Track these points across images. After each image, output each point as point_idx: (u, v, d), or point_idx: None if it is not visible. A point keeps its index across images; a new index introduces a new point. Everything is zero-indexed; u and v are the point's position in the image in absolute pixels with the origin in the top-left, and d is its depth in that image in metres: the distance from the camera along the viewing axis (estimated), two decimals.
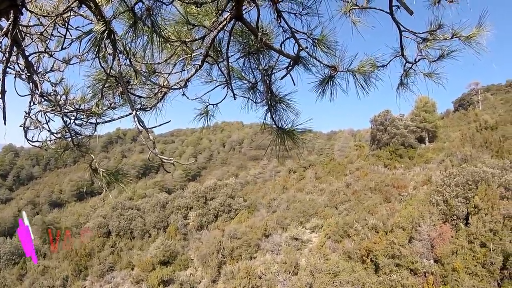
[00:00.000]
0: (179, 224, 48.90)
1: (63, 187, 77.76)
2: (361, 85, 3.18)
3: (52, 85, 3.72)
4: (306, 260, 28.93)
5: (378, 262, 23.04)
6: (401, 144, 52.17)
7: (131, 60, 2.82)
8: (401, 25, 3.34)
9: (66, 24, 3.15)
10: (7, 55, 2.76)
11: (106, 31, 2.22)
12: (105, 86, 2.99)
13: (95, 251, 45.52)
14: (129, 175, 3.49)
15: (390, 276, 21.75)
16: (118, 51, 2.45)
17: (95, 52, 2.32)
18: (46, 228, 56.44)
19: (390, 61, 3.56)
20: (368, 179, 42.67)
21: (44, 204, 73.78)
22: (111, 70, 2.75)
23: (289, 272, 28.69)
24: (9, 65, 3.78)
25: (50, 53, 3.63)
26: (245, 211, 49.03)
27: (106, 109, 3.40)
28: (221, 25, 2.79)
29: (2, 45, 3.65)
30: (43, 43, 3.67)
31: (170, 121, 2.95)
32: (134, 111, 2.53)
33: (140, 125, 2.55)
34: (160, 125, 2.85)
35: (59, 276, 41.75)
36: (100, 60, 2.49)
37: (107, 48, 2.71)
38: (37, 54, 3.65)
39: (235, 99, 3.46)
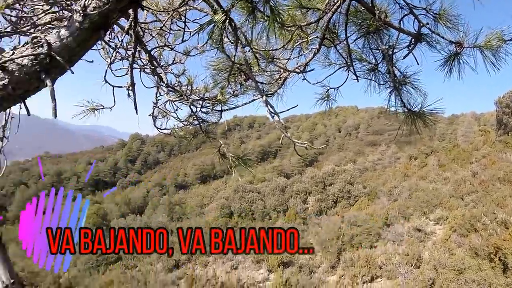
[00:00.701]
0: (298, 208, 49.38)
1: (187, 171, 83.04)
2: (491, 61, 2.86)
3: (175, 77, 3.98)
4: (430, 254, 27.44)
5: (507, 261, 20.90)
6: None
7: (251, 47, 2.89)
8: None
9: (184, 17, 3.32)
10: (132, 50, 3.01)
11: (227, 20, 2.30)
12: (230, 74, 3.10)
13: None
14: (254, 160, 3.61)
15: None
16: (239, 39, 2.51)
17: (217, 42, 2.41)
18: (172, 206, 61.36)
19: None
20: (496, 168, 38.40)
21: (170, 186, 79.84)
22: (233, 59, 2.84)
23: (411, 265, 27.49)
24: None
25: (170, 46, 3.87)
26: (365, 198, 47.94)
27: (230, 96, 3.55)
28: (335, 6, 2.73)
29: (123, 43, 4.00)
30: (162, 37, 3.94)
31: (297, 105, 2.97)
32: (264, 96, 2.60)
33: (271, 110, 2.61)
34: (287, 110, 2.89)
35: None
36: (223, 49, 2.59)
37: (228, 37, 2.80)
38: (158, 49, 3.92)
39: (358, 81, 3.38)
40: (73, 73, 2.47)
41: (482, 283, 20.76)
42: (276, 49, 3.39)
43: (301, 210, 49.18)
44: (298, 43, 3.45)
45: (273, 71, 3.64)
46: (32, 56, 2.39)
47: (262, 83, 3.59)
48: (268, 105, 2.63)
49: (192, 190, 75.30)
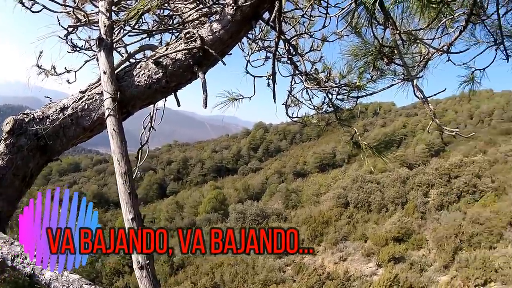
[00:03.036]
0: (418, 201, 47.21)
1: (307, 159, 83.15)
2: None
3: (311, 64, 3.96)
4: None
5: None
6: None
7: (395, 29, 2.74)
8: None
9: (326, 3, 3.27)
10: (275, 40, 3.03)
11: (378, 1, 2.18)
12: (376, 58, 2.99)
13: (332, 219, 47.86)
14: (390, 150, 3.49)
15: None
16: (389, 20, 2.38)
17: (367, 23, 2.30)
18: (288, 194, 62.22)
19: None
20: None
21: (289, 173, 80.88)
22: (381, 41, 2.73)
23: None
24: (271, 50, 4.19)
25: (310, 33, 3.86)
26: (492, 194, 44.16)
27: (367, 82, 3.44)
28: None
29: (262, 33, 4.06)
30: (300, 25, 3.93)
31: (445, 89, 2.77)
32: (414, 80, 2.46)
33: (420, 94, 2.47)
34: (435, 94, 2.71)
35: None
36: (373, 31, 2.47)
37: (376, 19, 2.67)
38: (296, 37, 3.92)
39: (508, 61, 3.05)
40: (225, 64, 2.57)
41: None
42: (420, 29, 3.19)
43: (421, 204, 47.03)
44: (443, 21, 3.23)
45: (414, 53, 3.45)
46: (186, 51, 2.53)
47: (403, 66, 3.43)
48: (418, 89, 2.48)
49: (310, 178, 75.55)
